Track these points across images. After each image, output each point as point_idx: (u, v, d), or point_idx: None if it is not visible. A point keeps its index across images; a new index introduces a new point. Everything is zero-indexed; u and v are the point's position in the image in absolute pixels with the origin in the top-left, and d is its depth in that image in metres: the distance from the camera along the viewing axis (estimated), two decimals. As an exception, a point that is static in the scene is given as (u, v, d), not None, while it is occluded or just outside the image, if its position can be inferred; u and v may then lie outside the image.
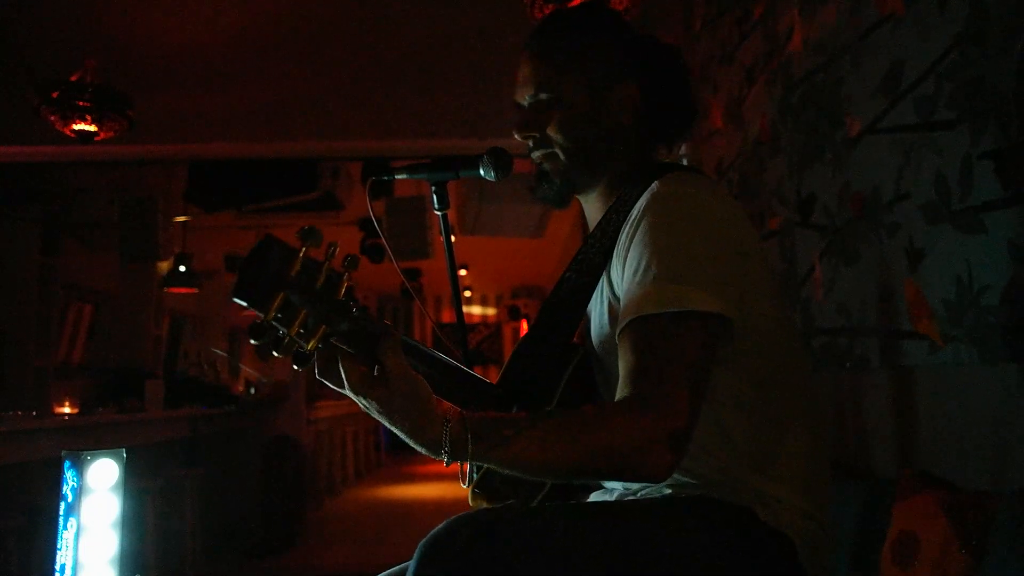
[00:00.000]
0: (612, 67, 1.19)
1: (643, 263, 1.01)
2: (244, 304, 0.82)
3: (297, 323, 0.83)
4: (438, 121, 4.77)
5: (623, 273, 1.06)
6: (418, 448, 0.91)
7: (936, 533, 1.26)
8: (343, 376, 0.90)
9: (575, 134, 1.18)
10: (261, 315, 0.82)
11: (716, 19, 2.93)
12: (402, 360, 0.89)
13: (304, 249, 0.84)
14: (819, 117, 2.02)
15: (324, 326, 0.85)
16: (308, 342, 0.84)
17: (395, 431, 0.91)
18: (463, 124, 4.61)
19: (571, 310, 1.18)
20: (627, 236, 1.07)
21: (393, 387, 0.89)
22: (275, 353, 0.84)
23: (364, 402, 0.91)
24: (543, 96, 1.19)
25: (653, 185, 1.08)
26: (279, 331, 0.84)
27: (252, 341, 0.83)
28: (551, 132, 1.19)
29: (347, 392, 0.91)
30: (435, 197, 1.33)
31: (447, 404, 0.93)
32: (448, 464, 0.91)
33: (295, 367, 0.86)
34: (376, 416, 0.91)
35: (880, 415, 1.78)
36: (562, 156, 1.20)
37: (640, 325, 0.97)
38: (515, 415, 0.93)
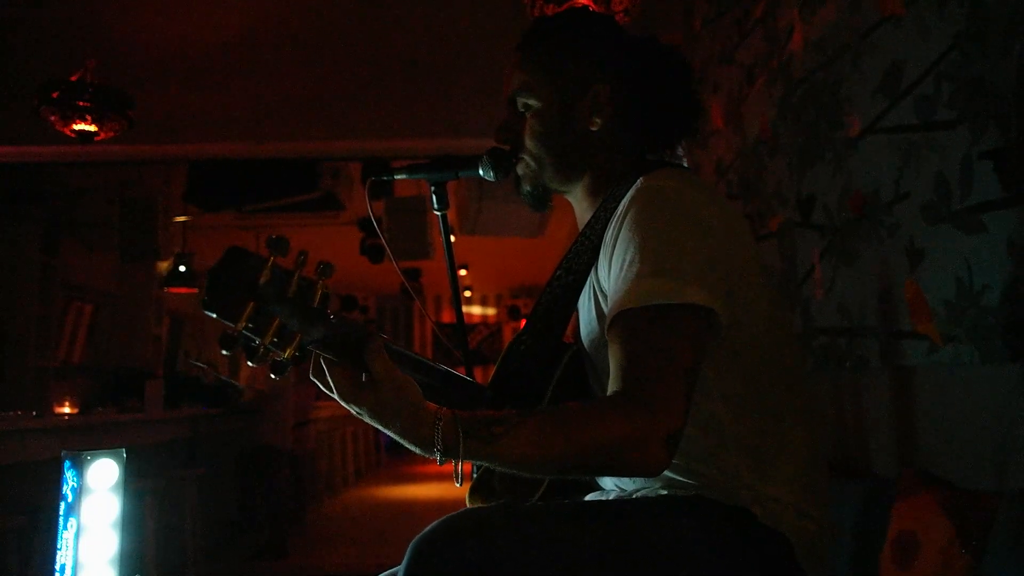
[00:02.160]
0: (585, 72, 1.19)
1: (628, 257, 1.01)
2: (214, 316, 0.81)
3: (270, 332, 0.82)
4: (438, 121, 4.77)
5: (610, 269, 1.06)
6: (411, 448, 0.91)
7: (936, 533, 1.26)
8: (331, 385, 0.90)
9: (544, 141, 1.20)
10: (232, 325, 0.81)
11: (716, 19, 2.93)
12: (388, 363, 0.89)
13: (272, 258, 0.83)
14: (819, 117, 2.02)
15: (300, 334, 0.84)
16: (284, 350, 0.84)
17: (388, 433, 0.91)
18: (463, 124, 4.61)
19: (561, 308, 1.18)
20: (613, 232, 1.07)
21: (381, 391, 0.88)
22: (250, 363, 0.83)
23: (355, 408, 0.90)
24: (518, 102, 1.22)
25: (638, 181, 1.08)
26: (253, 341, 0.83)
27: (223, 352, 0.83)
28: (524, 138, 1.22)
29: (337, 399, 0.91)
30: (435, 197, 1.33)
31: (438, 404, 0.93)
32: (441, 463, 0.91)
33: (272, 376, 0.86)
34: (368, 421, 0.91)
35: (880, 415, 1.77)
36: (531, 163, 1.22)
37: (627, 319, 0.97)
38: (506, 413, 0.93)
